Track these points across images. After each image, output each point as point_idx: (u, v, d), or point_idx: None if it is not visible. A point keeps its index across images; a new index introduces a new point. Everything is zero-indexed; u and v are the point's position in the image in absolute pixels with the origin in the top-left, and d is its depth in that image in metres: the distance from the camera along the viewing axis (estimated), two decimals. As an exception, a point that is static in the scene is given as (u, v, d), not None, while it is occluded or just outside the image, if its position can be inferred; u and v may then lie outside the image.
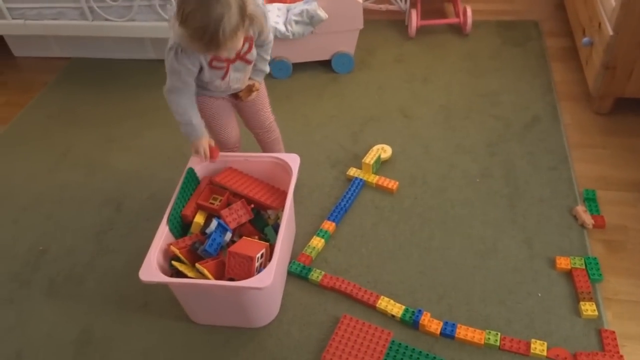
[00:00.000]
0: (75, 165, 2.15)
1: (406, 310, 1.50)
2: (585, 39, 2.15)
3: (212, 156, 1.64)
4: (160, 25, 2.31)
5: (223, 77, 1.52)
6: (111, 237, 1.83)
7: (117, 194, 2.00)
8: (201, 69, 1.47)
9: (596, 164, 1.92)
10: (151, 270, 1.37)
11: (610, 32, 1.90)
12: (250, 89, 1.65)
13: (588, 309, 1.46)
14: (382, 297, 1.54)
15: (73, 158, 2.18)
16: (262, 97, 1.73)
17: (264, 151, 1.85)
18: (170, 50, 1.42)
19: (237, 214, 1.57)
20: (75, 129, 2.33)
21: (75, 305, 1.63)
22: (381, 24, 2.82)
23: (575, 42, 2.38)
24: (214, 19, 1.25)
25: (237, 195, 1.64)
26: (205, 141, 1.61)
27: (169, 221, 1.52)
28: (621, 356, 1.35)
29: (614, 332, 1.41)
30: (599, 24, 2.02)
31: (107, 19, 2.33)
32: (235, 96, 1.67)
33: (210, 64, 1.47)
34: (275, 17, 2.37)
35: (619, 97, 2.08)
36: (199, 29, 1.27)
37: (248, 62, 1.55)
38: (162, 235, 1.48)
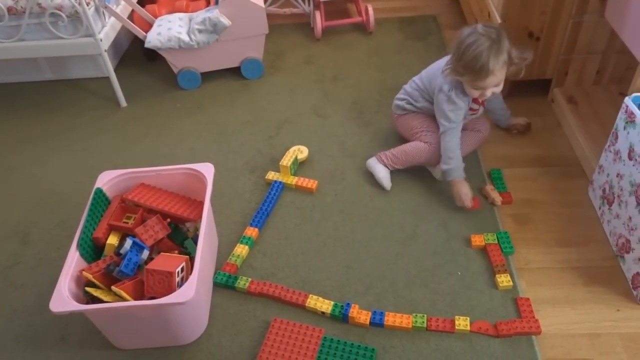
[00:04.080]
0: (-29, 199, 1.98)
1: (335, 306, 1.51)
2: (478, 29, 2.28)
3: None
4: (53, 43, 2.18)
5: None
6: (18, 272, 1.70)
7: (22, 225, 1.86)
8: None
9: (499, 145, 2.03)
10: (62, 300, 1.28)
11: (499, 20, 2.03)
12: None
13: (503, 280, 1.54)
14: (310, 295, 1.54)
15: (-32, 192, 2.01)
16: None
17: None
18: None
19: (153, 231, 1.51)
20: (-32, 161, 2.15)
21: (-17, 350, 1.50)
22: (287, 28, 2.84)
23: (471, 32, 2.52)
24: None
25: (152, 212, 1.59)
26: None
27: (79, 246, 1.43)
28: (536, 320, 1.44)
29: (528, 299, 1.50)
30: (489, 14, 2.15)
31: (-7, 41, 2.17)
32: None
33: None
34: (178, 27, 2.32)
35: (513, 80, 2.21)
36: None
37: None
38: (73, 261, 1.39)
